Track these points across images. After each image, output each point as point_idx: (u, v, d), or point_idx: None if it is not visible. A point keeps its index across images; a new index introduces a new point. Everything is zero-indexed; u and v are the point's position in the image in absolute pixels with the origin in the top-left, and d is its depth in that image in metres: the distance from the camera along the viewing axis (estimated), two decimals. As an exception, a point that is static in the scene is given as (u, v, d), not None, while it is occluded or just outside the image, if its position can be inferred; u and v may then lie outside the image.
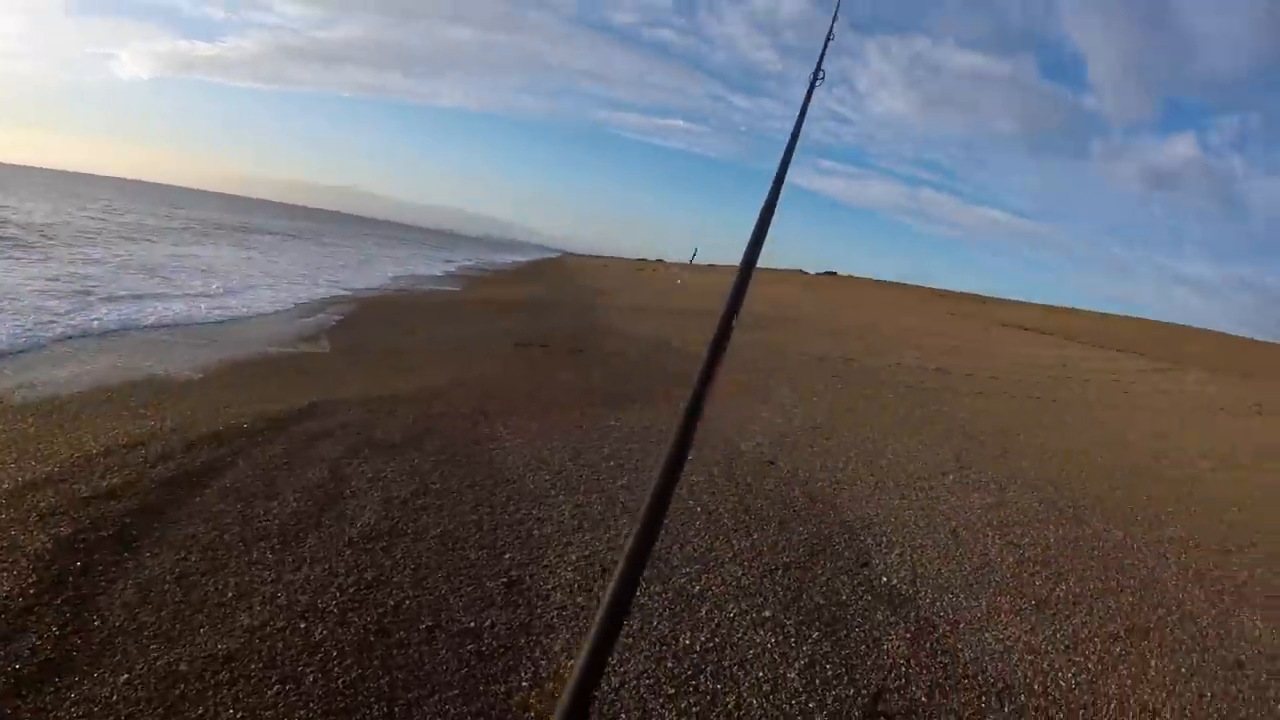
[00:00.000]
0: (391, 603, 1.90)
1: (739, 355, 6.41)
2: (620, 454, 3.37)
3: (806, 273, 35.07)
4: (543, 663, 1.71)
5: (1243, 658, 2.40)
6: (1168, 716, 2.01)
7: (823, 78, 1.84)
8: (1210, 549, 3.19)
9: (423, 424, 3.55)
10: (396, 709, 1.51)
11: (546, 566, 2.21)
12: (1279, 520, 3.90)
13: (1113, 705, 2.02)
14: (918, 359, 8.37)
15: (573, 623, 1.90)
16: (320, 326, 7.23)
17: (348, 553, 2.15)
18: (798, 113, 1.55)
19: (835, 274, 36.26)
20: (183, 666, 1.56)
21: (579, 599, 2.03)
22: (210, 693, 1.49)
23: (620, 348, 6.12)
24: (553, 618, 1.91)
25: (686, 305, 10.61)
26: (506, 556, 2.25)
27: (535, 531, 2.44)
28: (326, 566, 2.05)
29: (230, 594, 1.86)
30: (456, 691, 1.58)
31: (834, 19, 2.25)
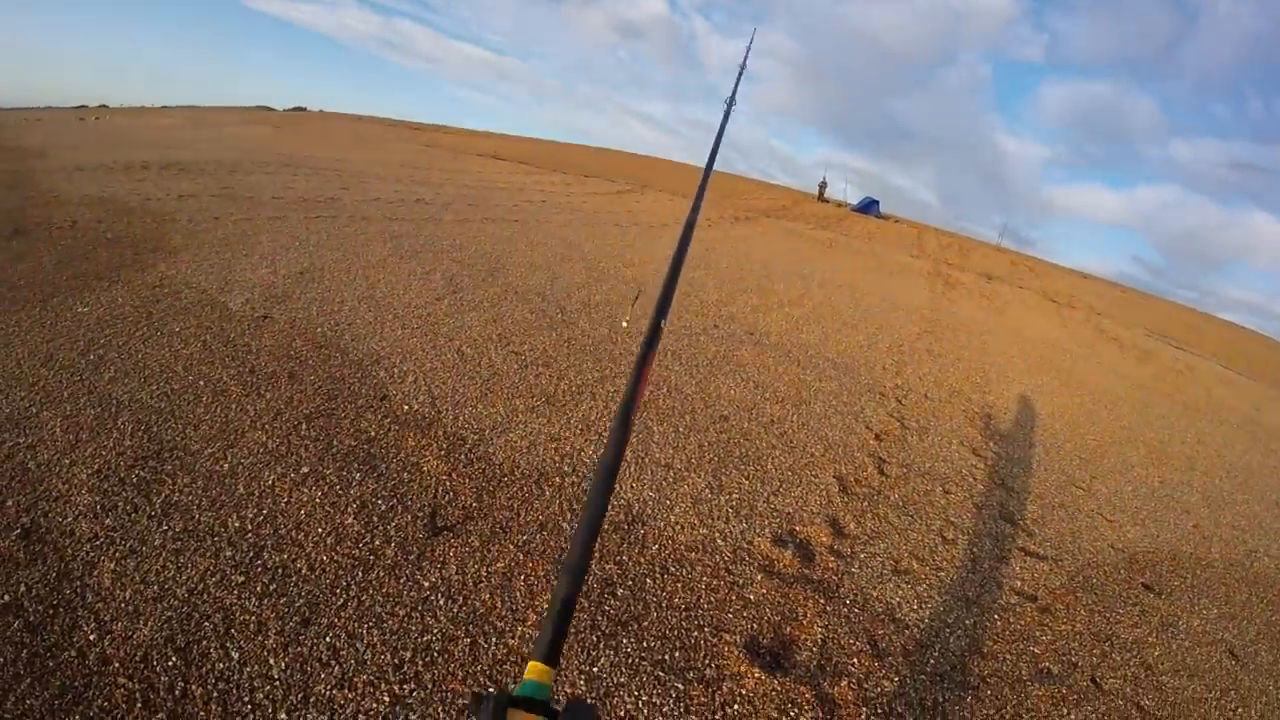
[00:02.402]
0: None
1: (206, 209, 5.76)
2: (99, 345, 2.98)
3: (274, 110, 31.17)
4: (99, 605, 1.66)
5: (726, 412, 3.45)
6: (678, 466, 2.82)
7: (735, 104, 2.39)
8: (680, 333, 4.64)
9: None
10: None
11: (58, 498, 2.00)
12: (733, 308, 5.76)
13: (633, 466, 2.74)
14: (397, 192, 8.62)
15: (110, 548, 1.85)
16: None
17: None
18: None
19: (305, 109, 33.54)
20: None
21: (107, 520, 1.94)
22: None
23: (73, 218, 4.94)
24: (88, 553, 1.83)
25: (147, 158, 8.74)
26: (9, 503, 1.95)
27: (30, 462, 2.14)
28: None
29: None
30: (28, 680, 1.45)
31: (747, 51, 2.81)
